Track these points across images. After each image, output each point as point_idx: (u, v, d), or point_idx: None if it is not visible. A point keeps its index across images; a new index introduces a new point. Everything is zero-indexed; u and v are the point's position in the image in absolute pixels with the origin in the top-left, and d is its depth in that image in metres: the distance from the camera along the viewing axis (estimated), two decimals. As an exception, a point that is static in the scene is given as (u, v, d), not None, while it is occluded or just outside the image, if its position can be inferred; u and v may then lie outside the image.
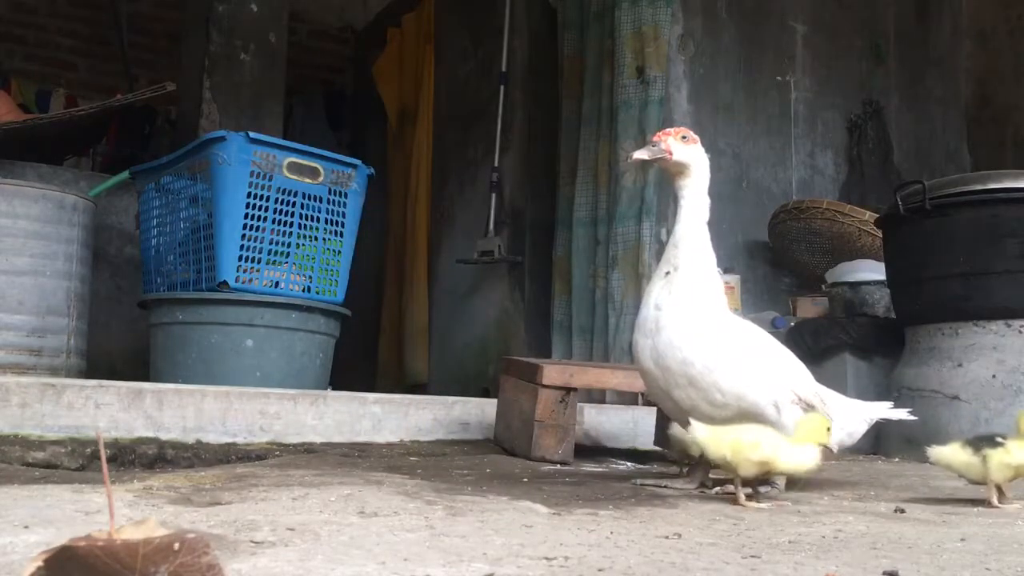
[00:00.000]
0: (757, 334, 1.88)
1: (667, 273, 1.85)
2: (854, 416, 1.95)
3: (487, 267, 4.60)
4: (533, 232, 4.52)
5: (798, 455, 1.65)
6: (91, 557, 0.63)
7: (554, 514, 1.45)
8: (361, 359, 5.59)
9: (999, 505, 1.67)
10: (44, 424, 2.17)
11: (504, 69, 4.68)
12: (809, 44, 4.46)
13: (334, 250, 3.23)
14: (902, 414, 2.05)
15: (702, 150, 1.90)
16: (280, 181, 3.07)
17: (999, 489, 1.69)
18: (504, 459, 2.36)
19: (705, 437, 1.66)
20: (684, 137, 1.88)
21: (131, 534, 0.66)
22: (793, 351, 1.94)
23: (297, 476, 1.79)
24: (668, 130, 1.90)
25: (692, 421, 1.71)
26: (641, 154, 1.88)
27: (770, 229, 4.01)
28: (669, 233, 1.95)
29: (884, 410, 2.02)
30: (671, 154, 1.86)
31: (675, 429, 2.07)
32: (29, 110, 5.54)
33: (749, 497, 1.66)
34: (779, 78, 4.36)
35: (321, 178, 3.16)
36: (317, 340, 3.14)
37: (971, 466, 1.68)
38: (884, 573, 1.06)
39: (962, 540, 1.32)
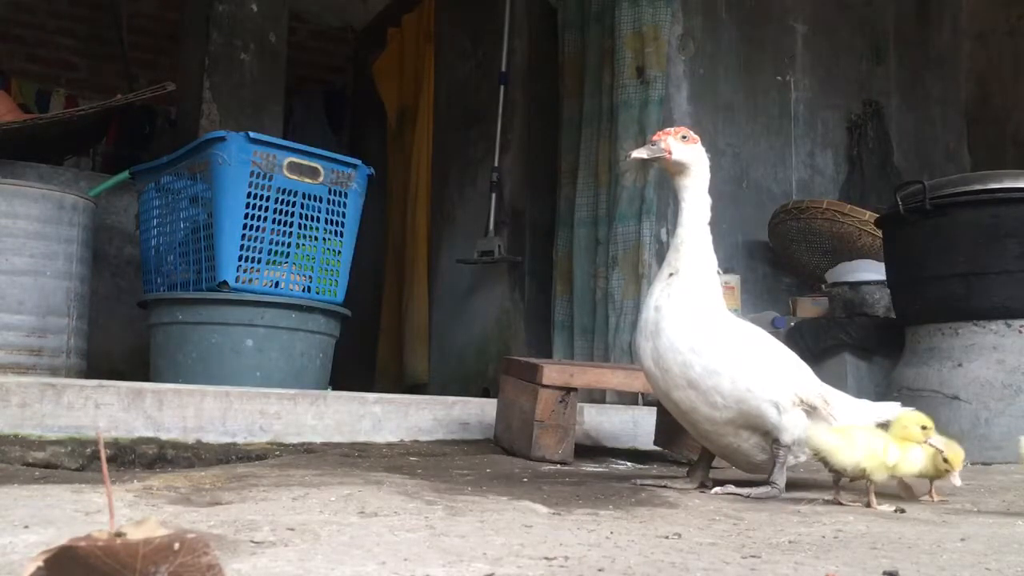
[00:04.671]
0: (758, 336, 1.88)
1: (670, 275, 1.85)
2: (860, 416, 1.94)
3: (487, 267, 4.60)
4: (533, 232, 4.53)
5: (915, 458, 1.67)
6: (91, 557, 0.63)
7: (554, 514, 1.45)
8: (361, 359, 5.58)
9: None
10: (44, 424, 2.16)
11: (504, 69, 4.67)
12: (809, 44, 4.46)
13: (334, 250, 3.23)
14: None
15: (702, 150, 1.90)
16: (280, 181, 3.07)
17: None
18: (504, 459, 2.36)
19: (832, 444, 1.66)
20: (684, 137, 1.88)
21: (131, 534, 0.66)
22: (793, 351, 1.94)
23: (297, 476, 1.79)
24: (668, 129, 1.90)
25: (812, 427, 1.73)
26: (640, 153, 1.88)
27: (770, 229, 4.01)
28: (669, 233, 1.95)
29: (891, 410, 2.01)
30: (670, 153, 1.86)
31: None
32: (29, 110, 5.53)
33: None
34: (779, 78, 4.36)
35: (321, 178, 3.16)
36: (317, 340, 3.14)
37: None
38: (884, 573, 1.06)
39: (962, 540, 1.32)
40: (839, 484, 1.74)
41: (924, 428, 1.71)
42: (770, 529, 1.38)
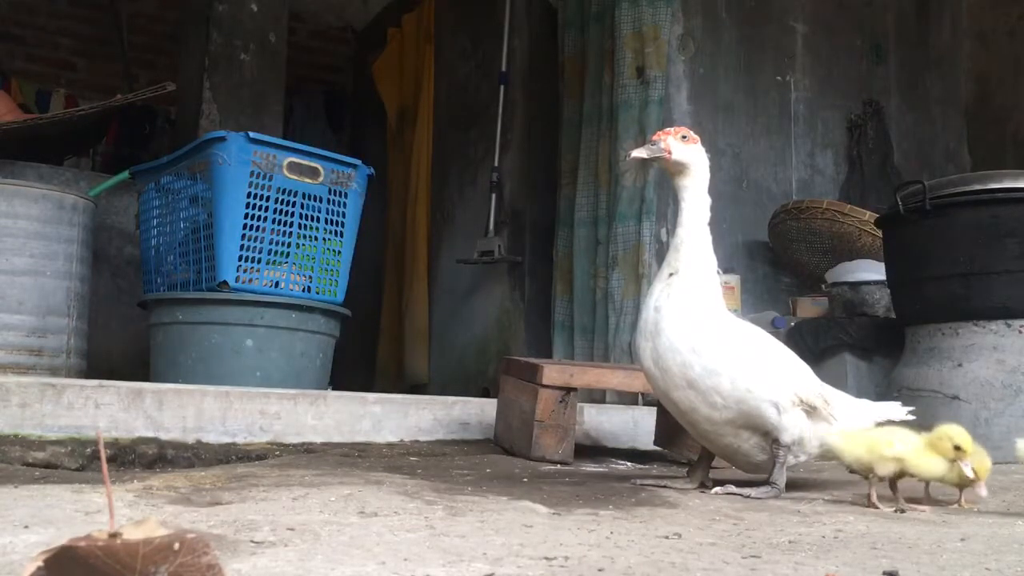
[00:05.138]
0: (757, 336, 1.88)
1: (670, 275, 1.85)
2: (860, 416, 1.94)
3: (487, 267, 4.60)
4: (533, 232, 4.52)
5: (929, 459, 1.65)
6: (91, 557, 0.63)
7: (554, 514, 1.45)
8: (361, 359, 5.59)
9: None
10: (44, 424, 2.16)
11: (504, 69, 4.68)
12: (809, 44, 4.46)
13: (334, 250, 3.23)
14: (907, 415, 2.04)
15: (702, 150, 1.90)
16: (280, 181, 3.07)
17: None
18: (504, 459, 2.36)
19: (839, 442, 1.69)
20: (684, 137, 1.87)
21: (131, 534, 0.66)
22: (793, 351, 1.94)
23: (297, 476, 1.79)
24: (668, 129, 1.90)
25: (829, 430, 1.77)
26: (640, 152, 1.88)
27: (770, 229, 4.01)
28: (669, 233, 1.95)
29: (891, 410, 2.01)
30: (670, 153, 1.85)
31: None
32: (29, 110, 5.53)
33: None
34: (779, 78, 4.36)
35: (321, 178, 3.16)
36: (317, 340, 3.14)
37: None
38: (884, 573, 1.06)
39: (962, 540, 1.32)
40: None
41: (957, 448, 1.65)
42: (770, 529, 1.38)
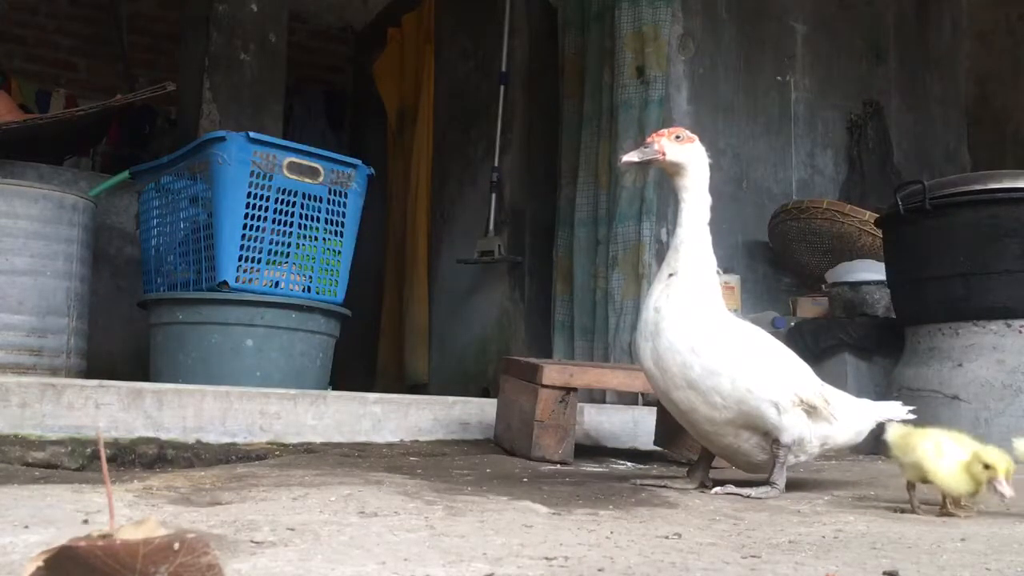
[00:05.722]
0: (757, 336, 1.88)
1: (669, 276, 1.85)
2: (861, 416, 1.94)
3: (487, 267, 4.60)
4: (533, 232, 4.53)
5: (945, 468, 1.61)
6: (91, 557, 0.63)
7: (554, 514, 1.45)
8: (361, 359, 5.58)
9: None
10: (44, 424, 2.16)
11: (504, 69, 4.68)
12: (809, 44, 4.46)
13: (334, 250, 3.23)
14: (907, 414, 2.04)
15: (700, 149, 1.88)
16: (280, 181, 3.07)
17: None
18: (504, 459, 2.36)
19: (891, 439, 1.69)
20: (678, 137, 1.86)
21: (131, 534, 0.66)
22: (793, 351, 1.94)
23: (297, 476, 1.79)
24: (662, 131, 1.89)
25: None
26: (632, 156, 1.87)
27: (770, 229, 4.01)
28: (669, 233, 1.95)
29: (892, 409, 2.01)
30: (664, 155, 1.84)
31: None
32: (29, 110, 5.53)
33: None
34: (779, 78, 4.36)
35: (321, 178, 3.16)
36: (317, 340, 3.14)
37: None
38: (884, 573, 1.06)
39: (962, 540, 1.32)
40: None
41: (987, 467, 1.59)
42: (770, 529, 1.38)
